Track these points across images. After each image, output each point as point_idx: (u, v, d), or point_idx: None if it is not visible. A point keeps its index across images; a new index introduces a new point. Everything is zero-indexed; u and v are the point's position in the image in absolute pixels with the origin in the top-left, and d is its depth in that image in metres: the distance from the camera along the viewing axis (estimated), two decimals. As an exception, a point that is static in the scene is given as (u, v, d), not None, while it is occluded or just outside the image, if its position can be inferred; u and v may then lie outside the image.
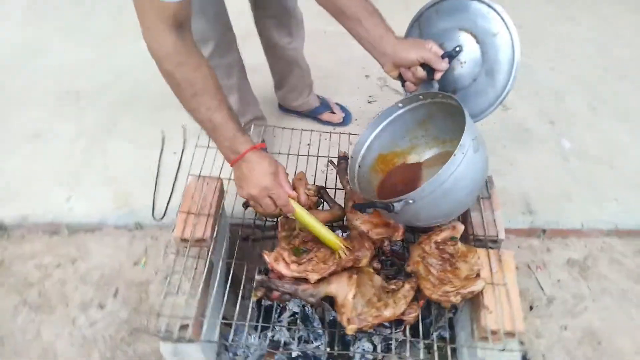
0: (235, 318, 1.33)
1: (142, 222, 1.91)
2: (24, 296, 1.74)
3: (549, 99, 2.38)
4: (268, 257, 1.26)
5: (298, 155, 1.60)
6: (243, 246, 1.53)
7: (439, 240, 1.28)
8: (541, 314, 1.67)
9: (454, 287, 1.21)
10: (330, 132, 1.71)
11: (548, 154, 2.12)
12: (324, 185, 1.47)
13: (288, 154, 1.61)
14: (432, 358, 1.24)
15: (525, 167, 2.05)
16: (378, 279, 1.25)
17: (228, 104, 1.12)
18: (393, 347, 1.38)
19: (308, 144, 1.72)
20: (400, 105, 1.30)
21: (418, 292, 1.24)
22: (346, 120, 2.26)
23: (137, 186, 2.01)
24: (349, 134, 1.69)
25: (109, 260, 1.82)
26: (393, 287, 1.24)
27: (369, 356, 1.45)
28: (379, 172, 1.38)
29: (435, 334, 1.43)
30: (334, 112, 2.24)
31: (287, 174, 1.20)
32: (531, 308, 1.69)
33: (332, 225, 1.41)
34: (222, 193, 1.51)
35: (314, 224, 1.21)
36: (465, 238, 1.40)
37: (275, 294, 1.26)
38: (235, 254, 1.42)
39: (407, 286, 1.23)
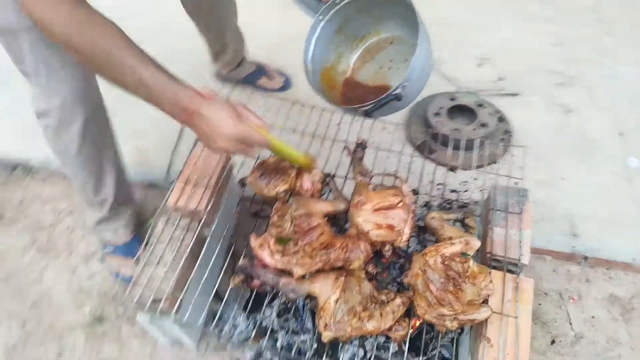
0: (226, 296, 1.27)
1: (156, 182, 1.87)
2: (35, 237, 1.77)
3: (626, 106, 2.06)
4: (253, 242, 1.16)
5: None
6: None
7: (447, 255, 1.11)
8: (563, 352, 1.46)
9: (452, 310, 1.05)
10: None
11: (608, 171, 1.83)
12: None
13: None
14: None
15: (578, 182, 1.79)
16: (367, 287, 1.11)
17: (149, 56, 0.94)
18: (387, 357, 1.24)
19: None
20: (320, 18, 1.29)
21: (412, 307, 1.10)
22: (286, 85, 2.13)
23: (159, 145, 1.97)
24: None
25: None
26: (383, 297, 1.10)
27: (357, 363, 1.33)
28: (332, 90, 1.34)
29: (436, 352, 1.29)
30: (270, 77, 2.13)
31: (245, 106, 1.06)
32: (553, 342, 1.48)
33: (333, 218, 1.28)
34: (227, 164, 1.42)
35: (286, 148, 1.15)
36: (482, 257, 1.23)
37: (256, 282, 1.16)
38: (240, 230, 1.34)
39: (398, 300, 1.08)
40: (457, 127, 1.81)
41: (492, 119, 1.82)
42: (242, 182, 1.29)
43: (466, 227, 1.26)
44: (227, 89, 2.11)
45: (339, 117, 1.48)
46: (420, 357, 1.27)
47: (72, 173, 1.45)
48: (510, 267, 1.18)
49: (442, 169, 1.76)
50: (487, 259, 1.20)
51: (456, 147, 1.72)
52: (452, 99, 1.89)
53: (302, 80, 1.30)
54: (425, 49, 1.14)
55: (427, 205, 1.54)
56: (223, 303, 1.40)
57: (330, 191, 1.32)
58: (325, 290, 1.10)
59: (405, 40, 1.29)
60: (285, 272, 1.14)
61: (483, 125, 1.80)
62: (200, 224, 1.29)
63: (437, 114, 1.84)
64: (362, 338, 1.35)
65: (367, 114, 1.16)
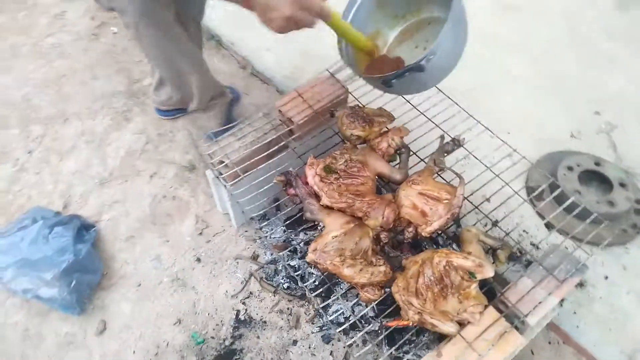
0: (278, 200, 1.43)
1: (279, 86, 2.11)
2: None
3: None
4: (309, 160, 1.30)
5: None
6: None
7: (454, 264, 1.10)
8: None
9: (421, 306, 1.06)
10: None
11: None
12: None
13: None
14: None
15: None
16: (366, 244, 1.16)
17: None
18: (360, 333, 1.27)
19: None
20: None
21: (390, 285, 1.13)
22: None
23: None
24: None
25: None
26: (373, 260, 1.15)
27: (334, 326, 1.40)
28: (361, 65, 1.31)
29: (409, 351, 1.29)
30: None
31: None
32: None
33: (382, 183, 1.33)
34: (343, 95, 1.54)
35: (348, 29, 1.16)
36: (492, 296, 1.16)
37: (291, 190, 1.30)
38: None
39: (382, 268, 1.12)
40: (582, 191, 1.62)
41: (627, 204, 1.58)
42: (332, 113, 1.42)
43: (495, 258, 1.20)
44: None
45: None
46: (392, 349, 1.30)
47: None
48: (513, 318, 1.11)
49: (537, 218, 1.63)
50: (497, 299, 1.14)
51: (568, 209, 1.56)
52: (597, 164, 1.69)
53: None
54: (458, 27, 1.11)
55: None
56: (273, 208, 1.59)
57: (399, 162, 1.37)
58: (333, 225, 1.19)
59: (443, 21, 1.22)
60: (315, 195, 1.26)
61: (611, 204, 1.58)
62: (289, 133, 1.47)
63: (569, 168, 1.67)
64: (355, 305, 1.41)
65: (387, 84, 1.14)
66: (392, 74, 1.17)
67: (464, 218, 1.50)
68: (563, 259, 1.18)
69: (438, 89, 1.50)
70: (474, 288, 1.09)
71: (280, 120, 1.52)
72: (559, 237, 1.60)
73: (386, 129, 1.40)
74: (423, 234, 1.18)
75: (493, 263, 1.19)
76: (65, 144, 1.98)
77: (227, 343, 1.43)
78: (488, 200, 1.63)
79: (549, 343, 1.42)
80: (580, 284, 1.49)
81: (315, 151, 1.44)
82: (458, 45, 1.15)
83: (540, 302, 1.11)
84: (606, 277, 1.52)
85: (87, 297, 1.51)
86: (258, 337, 1.44)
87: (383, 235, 1.21)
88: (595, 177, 1.69)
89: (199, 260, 1.61)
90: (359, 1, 1.28)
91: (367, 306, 1.39)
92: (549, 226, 1.62)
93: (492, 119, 1.49)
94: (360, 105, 1.47)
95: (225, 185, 1.43)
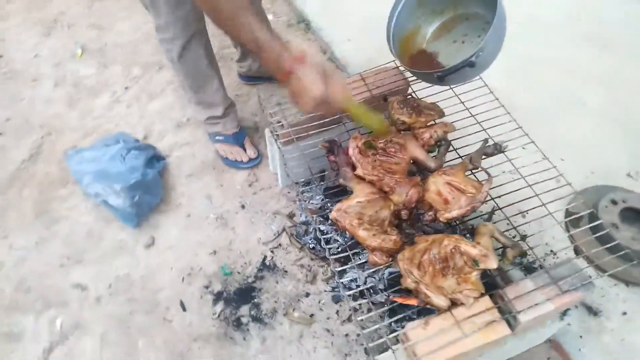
0: (324, 172, 1.60)
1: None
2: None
3: None
4: (354, 134, 1.43)
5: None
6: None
7: (461, 250, 1.18)
8: None
9: (420, 277, 1.15)
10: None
11: None
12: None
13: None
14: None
15: None
16: (385, 214, 1.27)
17: (265, 18, 1.17)
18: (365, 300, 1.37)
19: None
20: None
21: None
22: None
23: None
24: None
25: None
26: (387, 229, 1.25)
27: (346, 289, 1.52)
28: (406, 57, 1.45)
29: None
30: None
31: (338, 70, 1.22)
32: None
33: (417, 169, 1.42)
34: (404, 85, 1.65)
35: (366, 114, 1.27)
36: (492, 290, 1.22)
37: (332, 157, 1.44)
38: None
39: (394, 237, 1.22)
40: (620, 226, 1.61)
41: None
42: (385, 97, 1.53)
43: (503, 255, 1.25)
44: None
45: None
46: (391, 320, 1.39)
47: (179, 78, 1.81)
48: (506, 312, 1.17)
49: (567, 242, 1.64)
50: (496, 292, 1.20)
51: (601, 240, 1.57)
52: (647, 204, 1.66)
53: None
54: (501, 23, 1.20)
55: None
56: (318, 178, 1.74)
57: (437, 152, 1.46)
58: (360, 192, 1.31)
59: (481, 17, 1.33)
60: (352, 165, 1.39)
61: (650, 245, 1.56)
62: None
63: (613, 202, 1.66)
64: (369, 276, 1.52)
65: (441, 79, 1.25)
66: (448, 69, 1.28)
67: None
68: (572, 273, 1.22)
69: (500, 103, 1.57)
70: (474, 275, 1.16)
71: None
72: (584, 264, 1.61)
73: (433, 123, 1.50)
74: (441, 218, 1.27)
75: (500, 260, 1.25)
76: (156, 88, 2.26)
77: (249, 280, 1.60)
78: (523, 215, 1.67)
79: (548, 359, 1.45)
80: (595, 313, 1.49)
81: (363, 130, 1.56)
82: (500, 42, 1.26)
83: (536, 304, 1.16)
84: (624, 313, 1.50)
85: (144, 215, 1.76)
86: (277, 282, 1.59)
87: (404, 212, 1.31)
88: (638, 218, 1.66)
89: (243, 207, 1.80)
90: (403, 1, 1.40)
91: (379, 280, 1.50)
92: (577, 251, 1.63)
93: (548, 141, 1.52)
94: (414, 96, 1.57)
95: (278, 145, 1.59)
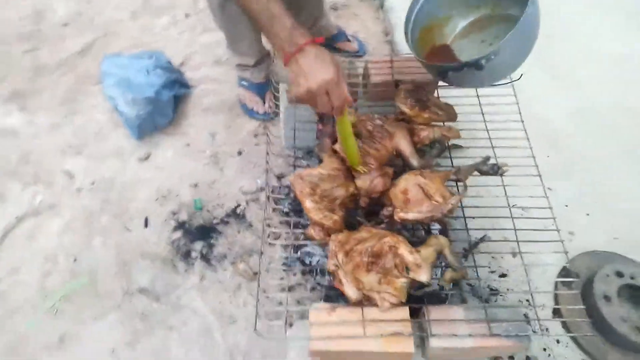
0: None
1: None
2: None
3: None
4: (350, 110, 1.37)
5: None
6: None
7: (398, 252, 1.10)
8: None
9: (340, 263, 1.10)
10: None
11: None
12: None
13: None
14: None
15: None
16: (340, 193, 1.22)
17: None
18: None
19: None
20: None
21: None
22: (361, 50, 2.13)
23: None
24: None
25: None
26: (336, 209, 1.20)
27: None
28: (423, 47, 1.35)
29: None
30: (350, 41, 2.13)
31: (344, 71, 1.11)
32: None
33: (403, 165, 1.33)
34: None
35: (350, 134, 1.17)
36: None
37: (319, 125, 1.40)
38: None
39: (336, 217, 1.17)
40: (614, 299, 1.41)
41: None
42: (397, 83, 1.45)
43: (441, 274, 1.16)
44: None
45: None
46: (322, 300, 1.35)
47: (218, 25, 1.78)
48: (419, 330, 1.08)
49: (551, 299, 1.48)
50: (420, 309, 1.12)
51: (588, 310, 1.40)
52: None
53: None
54: (527, 33, 1.10)
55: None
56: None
57: (426, 153, 1.36)
58: (326, 165, 1.27)
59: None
60: (335, 138, 1.34)
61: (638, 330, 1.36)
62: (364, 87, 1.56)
63: (618, 274, 1.45)
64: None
65: (442, 75, 1.18)
66: (448, 66, 1.18)
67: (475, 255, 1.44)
68: (510, 319, 1.09)
69: (523, 126, 1.44)
70: (401, 282, 1.08)
71: (362, 74, 1.60)
72: (558, 326, 1.44)
73: (441, 124, 1.40)
74: (395, 216, 1.18)
75: (437, 277, 1.15)
76: (212, 24, 2.30)
77: (214, 221, 1.62)
78: (513, 254, 1.53)
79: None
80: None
81: (371, 112, 1.50)
82: (523, 51, 1.13)
83: (454, 335, 1.06)
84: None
85: (148, 130, 1.83)
86: (239, 232, 1.59)
87: (362, 200, 1.25)
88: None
89: (240, 153, 1.81)
90: None
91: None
92: (556, 312, 1.46)
93: (583, 189, 1.38)
94: (429, 91, 1.47)
95: (288, 100, 1.57)
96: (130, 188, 1.70)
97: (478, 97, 1.52)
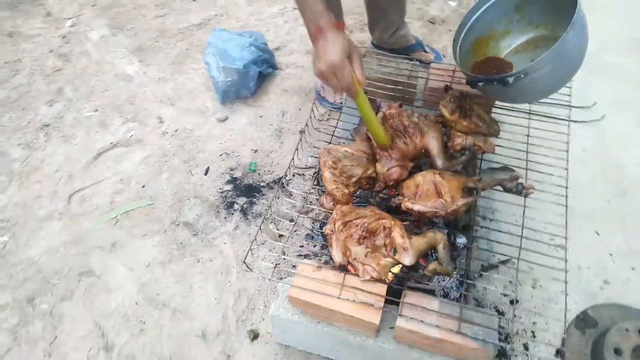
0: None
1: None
2: None
3: None
4: (393, 104, 1.47)
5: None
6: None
7: (391, 234, 1.17)
8: None
9: (335, 230, 1.20)
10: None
11: None
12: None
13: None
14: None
15: None
16: (357, 172, 1.32)
17: None
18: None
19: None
20: None
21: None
22: (437, 60, 2.18)
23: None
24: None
25: None
26: (350, 184, 1.31)
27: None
28: (473, 56, 1.40)
29: None
30: (426, 51, 2.18)
31: (362, 58, 1.20)
32: None
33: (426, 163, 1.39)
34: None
35: (370, 114, 1.27)
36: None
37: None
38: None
39: (346, 191, 1.29)
40: (626, 354, 1.32)
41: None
42: (447, 88, 1.50)
43: (427, 263, 1.20)
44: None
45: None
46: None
47: None
48: (391, 307, 1.15)
49: (556, 338, 1.42)
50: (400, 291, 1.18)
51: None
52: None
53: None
54: (564, 55, 1.09)
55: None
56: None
57: (454, 158, 1.40)
58: (355, 146, 1.39)
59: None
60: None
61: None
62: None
63: (626, 330, 1.35)
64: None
65: (471, 84, 1.23)
66: (477, 78, 1.23)
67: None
68: (482, 324, 1.11)
69: (566, 156, 1.42)
70: (386, 260, 1.16)
71: (423, 77, 1.68)
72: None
73: (478, 135, 1.43)
74: (402, 205, 1.26)
75: (421, 267, 1.20)
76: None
77: (261, 184, 1.81)
78: (533, 285, 1.51)
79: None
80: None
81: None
82: (559, 76, 1.15)
83: (422, 321, 1.11)
84: None
85: (232, 98, 2.09)
86: (278, 198, 1.76)
87: (378, 185, 1.34)
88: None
89: (301, 132, 1.98)
90: None
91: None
92: (559, 354, 1.40)
93: (624, 243, 1.32)
94: (477, 102, 1.50)
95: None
96: (203, 141, 1.97)
97: (529, 117, 1.52)
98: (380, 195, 1.40)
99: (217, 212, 1.74)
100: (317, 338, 1.31)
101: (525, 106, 1.55)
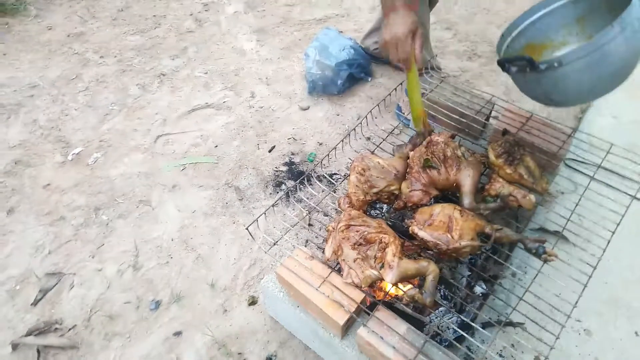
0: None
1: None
2: None
3: None
4: (446, 134, 1.47)
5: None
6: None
7: (385, 249, 1.21)
8: None
9: (338, 230, 1.27)
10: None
11: None
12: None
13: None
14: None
15: None
16: (381, 185, 1.36)
17: None
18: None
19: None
20: None
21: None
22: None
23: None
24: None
25: None
26: (369, 193, 1.36)
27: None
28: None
29: None
30: None
31: (424, 40, 1.34)
32: None
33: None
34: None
35: (416, 92, 1.38)
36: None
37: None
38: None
39: (362, 198, 1.34)
40: None
41: None
42: (504, 132, 1.46)
43: (409, 289, 1.21)
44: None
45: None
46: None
47: None
48: (360, 315, 1.19)
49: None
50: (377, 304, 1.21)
51: None
52: None
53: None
54: (604, 52, 1.04)
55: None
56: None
57: (486, 203, 1.37)
58: (390, 161, 1.42)
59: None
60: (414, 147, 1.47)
61: None
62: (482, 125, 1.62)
63: None
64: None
65: (502, 66, 1.21)
66: (508, 58, 1.23)
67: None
68: (440, 364, 1.10)
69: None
70: (371, 272, 1.19)
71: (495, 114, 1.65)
72: None
73: (521, 187, 1.38)
74: (410, 228, 1.29)
75: (407, 288, 1.22)
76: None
77: (312, 174, 1.93)
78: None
79: None
80: None
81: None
82: (597, 76, 1.11)
83: (381, 338, 1.13)
84: None
85: (318, 91, 2.23)
86: (323, 191, 1.86)
87: (397, 202, 1.37)
88: None
89: (368, 139, 2.05)
90: (558, 6, 1.29)
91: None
92: None
93: None
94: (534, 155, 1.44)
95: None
96: (279, 122, 2.15)
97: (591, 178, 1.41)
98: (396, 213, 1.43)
99: (266, 186, 1.90)
100: (297, 322, 1.40)
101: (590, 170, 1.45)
